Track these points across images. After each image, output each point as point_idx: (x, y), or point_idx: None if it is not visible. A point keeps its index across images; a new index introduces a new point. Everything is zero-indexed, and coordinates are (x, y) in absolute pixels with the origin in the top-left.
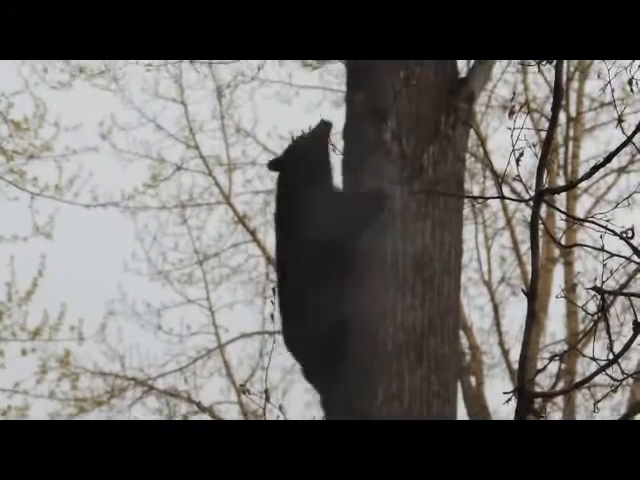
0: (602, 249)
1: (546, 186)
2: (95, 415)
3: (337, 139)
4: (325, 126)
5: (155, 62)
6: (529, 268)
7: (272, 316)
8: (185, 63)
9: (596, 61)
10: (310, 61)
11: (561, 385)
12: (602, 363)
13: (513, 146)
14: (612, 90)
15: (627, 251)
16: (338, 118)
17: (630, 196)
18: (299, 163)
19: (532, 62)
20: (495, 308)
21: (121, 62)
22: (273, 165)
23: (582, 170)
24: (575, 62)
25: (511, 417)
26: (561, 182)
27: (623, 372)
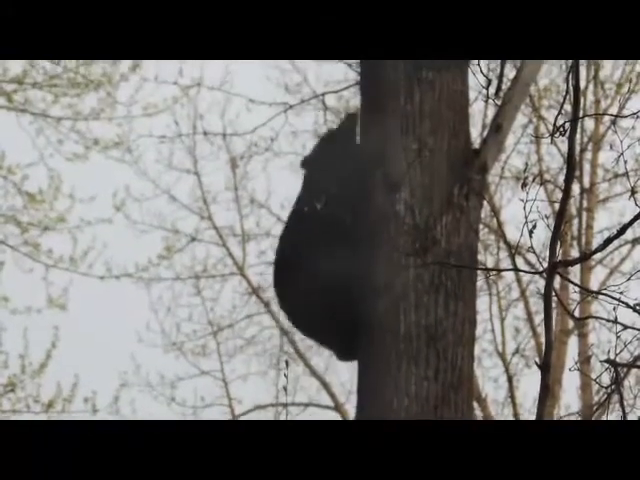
0: (615, 321)
1: (559, 258)
2: None
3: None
4: (351, 119)
5: (168, 133)
6: (543, 340)
7: (285, 389)
8: (199, 136)
9: (609, 132)
10: (320, 128)
11: None
12: None
13: (526, 218)
14: (625, 162)
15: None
16: None
17: None
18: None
19: (545, 134)
20: (509, 380)
21: (135, 133)
22: (305, 163)
23: (596, 241)
24: (589, 132)
25: None
26: (575, 253)
27: None
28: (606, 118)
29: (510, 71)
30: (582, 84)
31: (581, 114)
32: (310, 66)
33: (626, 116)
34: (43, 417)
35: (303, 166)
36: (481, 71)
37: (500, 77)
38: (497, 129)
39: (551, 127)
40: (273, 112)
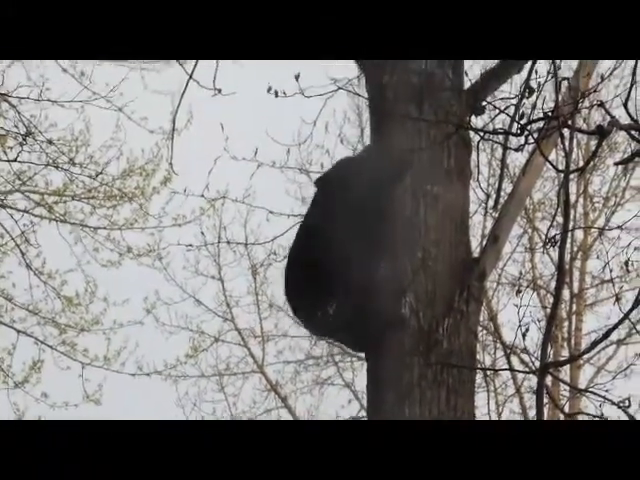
0: (602, 418)
1: (551, 358)
2: None
3: None
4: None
5: (195, 242)
6: None
7: None
8: (223, 244)
9: (597, 242)
10: None
11: None
12: None
13: (520, 321)
14: (610, 270)
15: (626, 418)
16: None
17: (627, 367)
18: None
19: (539, 243)
20: None
21: (165, 242)
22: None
23: (584, 342)
24: (578, 242)
25: None
26: (565, 353)
27: None
28: (594, 229)
29: (507, 186)
30: (572, 198)
31: (571, 226)
32: None
33: (611, 229)
34: None
35: (316, 184)
36: (480, 187)
37: (498, 191)
38: (495, 240)
39: (544, 237)
40: (291, 222)
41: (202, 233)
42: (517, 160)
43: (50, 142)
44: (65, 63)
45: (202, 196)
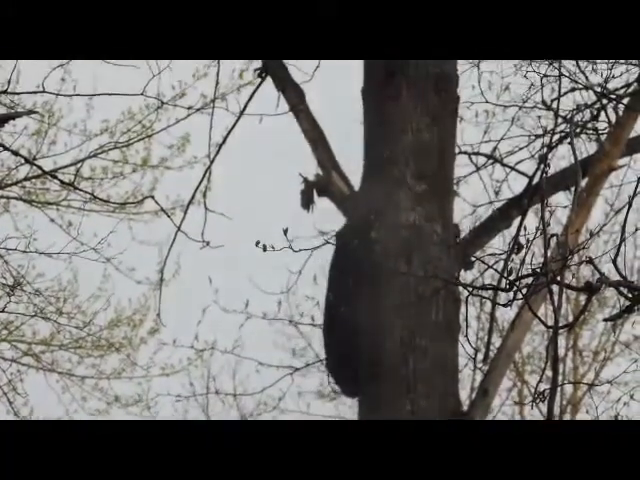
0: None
1: None
2: None
3: None
4: None
5: (184, 392)
6: None
7: None
8: (212, 394)
9: (586, 396)
10: (325, 389)
11: None
12: None
13: None
14: None
15: None
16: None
17: None
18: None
19: (528, 397)
20: None
21: (153, 392)
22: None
23: None
24: (568, 396)
25: None
26: None
27: None
28: (585, 381)
29: (496, 340)
30: (562, 352)
31: (560, 379)
32: (315, 333)
33: (601, 384)
34: None
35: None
36: (469, 342)
37: (487, 346)
38: (484, 393)
39: (533, 391)
40: (281, 374)
41: (190, 384)
42: (506, 314)
43: (38, 292)
44: (53, 213)
45: (191, 347)
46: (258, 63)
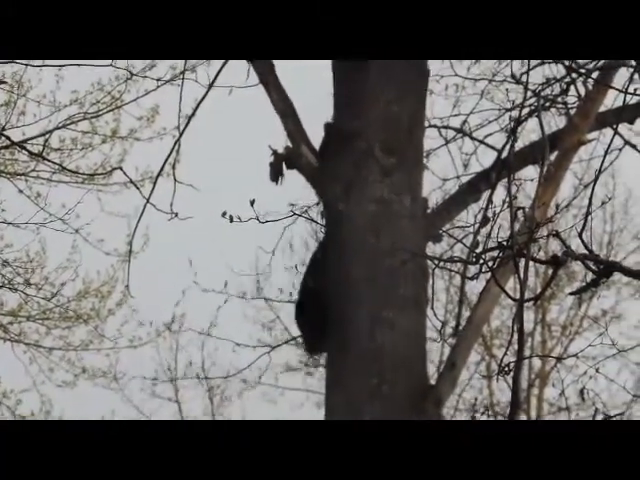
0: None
1: None
2: None
3: None
4: None
5: (152, 364)
6: None
7: None
8: (180, 366)
9: (554, 370)
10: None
11: None
12: None
13: None
14: (566, 398)
15: None
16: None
17: None
18: None
19: (496, 371)
20: None
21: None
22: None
23: None
24: (536, 370)
25: None
26: None
27: None
28: (553, 355)
29: (465, 311)
30: (530, 326)
31: (528, 353)
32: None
33: (566, 357)
34: None
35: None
36: (435, 315)
37: (457, 318)
38: (452, 366)
39: (498, 365)
40: (257, 354)
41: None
42: (475, 287)
43: (6, 263)
44: (22, 184)
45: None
46: None
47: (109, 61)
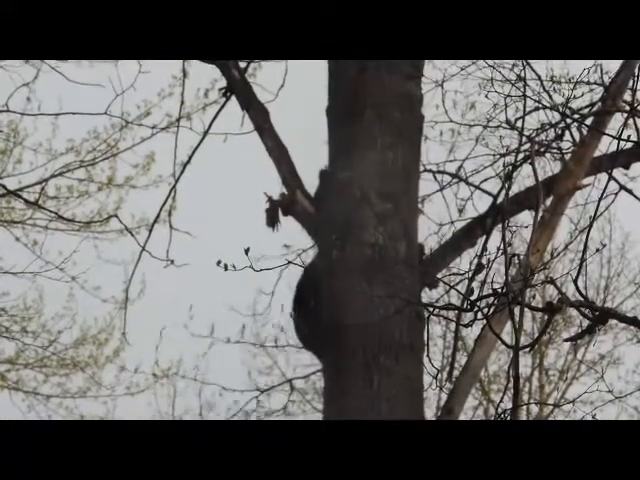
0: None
1: None
2: None
3: None
4: None
5: (149, 410)
6: None
7: None
8: (177, 412)
9: (551, 415)
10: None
11: None
12: None
13: None
14: None
15: None
16: None
17: None
18: None
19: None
20: None
21: (119, 411)
22: None
23: None
24: (533, 414)
25: None
26: None
27: None
28: (551, 400)
29: (462, 358)
30: (527, 371)
31: (525, 399)
32: (280, 354)
33: (561, 405)
34: None
35: None
36: (431, 362)
37: (451, 365)
38: (448, 412)
39: (494, 411)
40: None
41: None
42: (472, 333)
43: (3, 311)
44: (18, 232)
45: (153, 375)
46: (223, 82)
47: (104, 109)
